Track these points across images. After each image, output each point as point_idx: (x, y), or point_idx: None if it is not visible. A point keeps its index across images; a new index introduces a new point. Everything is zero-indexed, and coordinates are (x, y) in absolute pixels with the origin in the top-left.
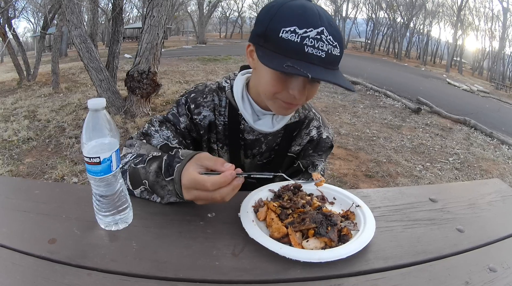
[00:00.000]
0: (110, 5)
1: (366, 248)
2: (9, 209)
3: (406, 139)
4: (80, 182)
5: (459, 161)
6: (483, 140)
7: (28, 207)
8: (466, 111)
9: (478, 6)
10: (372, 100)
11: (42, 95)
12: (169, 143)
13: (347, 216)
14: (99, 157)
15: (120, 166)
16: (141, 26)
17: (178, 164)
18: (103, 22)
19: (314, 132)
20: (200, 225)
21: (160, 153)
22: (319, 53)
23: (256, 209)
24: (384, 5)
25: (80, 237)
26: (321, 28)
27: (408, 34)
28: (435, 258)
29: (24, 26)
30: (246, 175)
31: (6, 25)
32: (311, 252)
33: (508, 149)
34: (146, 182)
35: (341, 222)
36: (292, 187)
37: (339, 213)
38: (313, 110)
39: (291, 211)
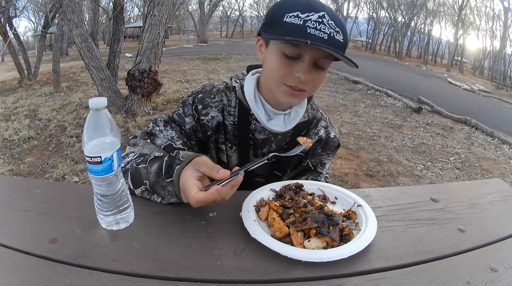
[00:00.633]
0: (111, 4)
1: (368, 248)
2: (10, 208)
3: (407, 138)
4: (81, 181)
5: (460, 160)
6: (484, 139)
7: (29, 207)
8: (467, 111)
9: (479, 6)
10: (373, 99)
11: (43, 94)
12: (173, 143)
13: (349, 215)
14: (100, 157)
15: (122, 165)
16: (142, 25)
17: (178, 166)
18: (104, 21)
19: (322, 132)
20: (201, 224)
21: (162, 153)
22: (322, 34)
23: (257, 208)
24: (385, 4)
25: (81, 236)
26: (323, 13)
27: (409, 33)
28: (436, 258)
29: (25, 25)
30: (244, 170)
31: (7, 24)
32: (313, 252)
33: (509, 148)
34: (147, 182)
35: (342, 221)
36: (293, 187)
37: (341, 212)
38: (320, 110)
39: (292, 211)
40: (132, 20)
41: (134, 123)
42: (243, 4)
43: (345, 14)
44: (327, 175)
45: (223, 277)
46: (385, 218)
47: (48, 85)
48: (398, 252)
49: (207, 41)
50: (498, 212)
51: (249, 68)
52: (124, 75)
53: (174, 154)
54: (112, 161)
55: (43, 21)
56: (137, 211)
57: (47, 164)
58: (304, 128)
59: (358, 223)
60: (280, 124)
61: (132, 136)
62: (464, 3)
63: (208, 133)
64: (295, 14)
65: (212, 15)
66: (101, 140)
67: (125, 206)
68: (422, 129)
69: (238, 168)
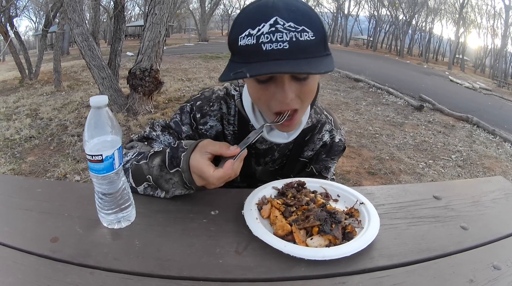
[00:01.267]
0: (111, 3)
1: (371, 245)
2: (11, 207)
3: (409, 136)
4: (82, 180)
5: (462, 158)
6: (485, 137)
7: (30, 206)
8: (469, 109)
9: (480, 4)
10: (374, 97)
11: (44, 94)
12: None
13: (351, 213)
14: (101, 155)
15: (122, 164)
16: (143, 24)
17: (184, 153)
18: (105, 20)
19: (327, 137)
20: (203, 223)
21: (161, 149)
22: (280, 45)
23: (259, 206)
24: (386, 3)
25: (83, 235)
26: (274, 18)
27: (410, 31)
28: (439, 255)
29: (25, 25)
30: (246, 146)
31: (8, 24)
32: (315, 250)
33: (510, 146)
34: (150, 177)
35: (345, 219)
36: (296, 185)
37: (343, 210)
38: (325, 112)
39: (295, 209)
40: (133, 19)
41: (135, 122)
42: (244, 2)
43: (346, 12)
44: (333, 177)
45: (225, 276)
46: (387, 215)
47: (49, 84)
48: (401, 250)
49: (208, 40)
50: (501, 210)
51: None
52: (125, 74)
53: (175, 145)
54: (113, 159)
55: (44, 20)
56: (138, 210)
57: (49, 163)
58: (307, 133)
59: (360, 221)
60: (282, 135)
61: (128, 140)
62: (465, 1)
63: None
64: (247, 33)
65: (213, 14)
66: (102, 138)
67: (127, 204)
68: (423, 127)
69: (237, 146)
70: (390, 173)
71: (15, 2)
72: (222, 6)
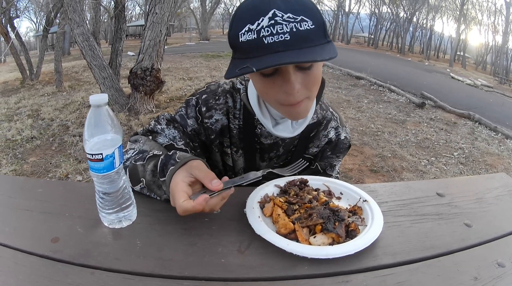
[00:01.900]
0: (112, 3)
1: (374, 243)
2: (12, 208)
3: (411, 133)
4: (84, 180)
5: (464, 155)
6: (487, 134)
7: (31, 206)
8: (470, 106)
9: (481, 1)
10: (376, 95)
11: (45, 94)
12: (174, 143)
13: (355, 211)
14: (101, 154)
15: (123, 162)
16: (143, 23)
17: (172, 167)
18: (105, 20)
19: (332, 133)
20: (205, 221)
21: (161, 152)
22: (282, 37)
23: (262, 204)
24: (387, 0)
25: (83, 235)
26: (272, 11)
27: (411, 28)
28: (443, 253)
29: (26, 26)
30: (234, 185)
31: (8, 25)
32: (319, 248)
33: None
34: (144, 180)
35: (348, 217)
36: (298, 182)
37: (346, 208)
38: (331, 109)
39: (297, 207)
40: (133, 18)
41: (137, 121)
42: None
43: (347, 10)
44: (337, 175)
45: (227, 275)
46: (391, 213)
47: (51, 85)
48: (405, 248)
49: (209, 39)
50: (504, 206)
51: None
52: (127, 73)
53: (171, 154)
54: (114, 158)
55: (44, 21)
56: (139, 209)
57: (50, 163)
58: (312, 129)
59: (364, 218)
60: (287, 129)
61: (133, 133)
62: None
63: (212, 136)
64: (246, 28)
65: (214, 13)
66: (102, 137)
67: (128, 204)
68: (425, 124)
69: (227, 178)
70: (393, 171)
71: (15, 3)
72: (222, 5)
